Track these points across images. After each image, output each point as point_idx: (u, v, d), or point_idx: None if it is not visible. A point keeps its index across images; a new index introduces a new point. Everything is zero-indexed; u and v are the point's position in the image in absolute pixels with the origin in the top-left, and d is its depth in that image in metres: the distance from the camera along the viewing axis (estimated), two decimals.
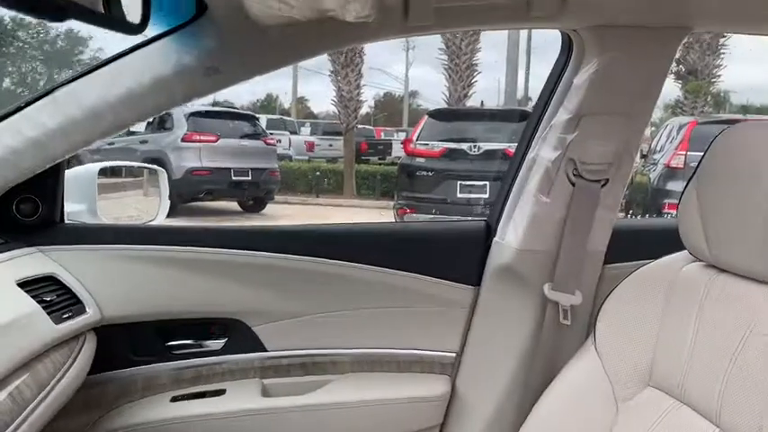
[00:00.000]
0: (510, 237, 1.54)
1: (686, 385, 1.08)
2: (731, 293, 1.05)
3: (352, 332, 1.59)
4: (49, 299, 1.27)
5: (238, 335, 1.57)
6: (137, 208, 2.00)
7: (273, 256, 1.53)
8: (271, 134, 12.76)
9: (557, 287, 1.50)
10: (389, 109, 36.55)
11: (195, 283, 1.51)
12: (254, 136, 11.13)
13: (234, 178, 10.33)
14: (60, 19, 0.61)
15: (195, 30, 1.23)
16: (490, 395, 1.59)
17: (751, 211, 1.00)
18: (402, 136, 19.54)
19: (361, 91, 14.99)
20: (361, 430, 1.59)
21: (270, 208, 11.49)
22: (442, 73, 14.85)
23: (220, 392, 1.55)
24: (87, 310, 1.37)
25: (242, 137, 10.80)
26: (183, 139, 10.05)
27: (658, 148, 9.14)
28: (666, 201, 7.46)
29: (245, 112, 13.01)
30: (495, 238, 1.60)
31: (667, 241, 1.23)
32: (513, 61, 14.07)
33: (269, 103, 34.86)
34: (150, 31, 1.13)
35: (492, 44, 24.49)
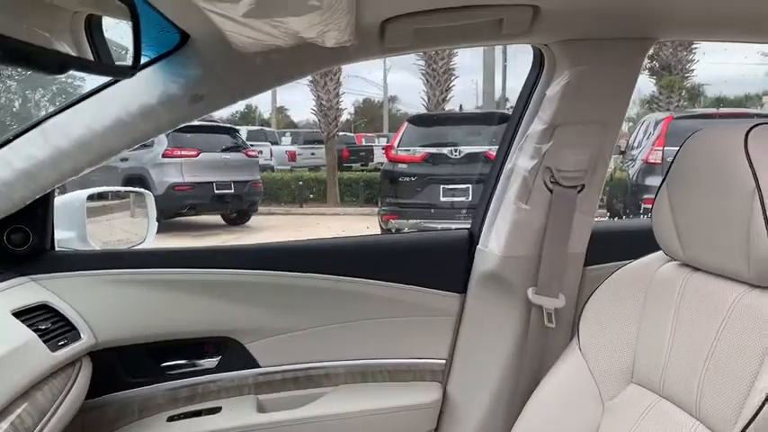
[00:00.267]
0: (493, 244, 1.58)
1: (667, 381, 1.13)
2: (705, 291, 1.10)
3: (344, 344, 1.62)
4: (44, 327, 1.29)
5: (231, 353, 1.60)
6: (124, 230, 2.01)
7: (262, 274, 1.56)
8: (252, 146, 12.72)
9: (540, 291, 1.54)
10: (369, 115, 36.58)
11: (187, 304, 1.54)
12: (235, 148, 11.10)
13: (216, 192, 10.29)
14: (61, 71, 0.65)
15: (179, 59, 1.26)
16: (481, 399, 1.62)
17: (719, 211, 1.05)
18: (383, 141, 19.59)
19: (341, 99, 15.03)
20: None
21: (254, 220, 11.45)
22: (420, 78, 14.95)
23: (216, 410, 1.57)
24: (82, 335, 1.39)
25: (223, 150, 10.76)
26: (164, 155, 9.99)
27: (636, 144, 9.23)
28: (646, 196, 7.54)
29: (224, 124, 12.96)
30: (479, 246, 1.64)
31: (644, 241, 1.28)
32: (490, 63, 14.18)
33: (248, 115, 34.72)
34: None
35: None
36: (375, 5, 1.17)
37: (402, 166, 8.17)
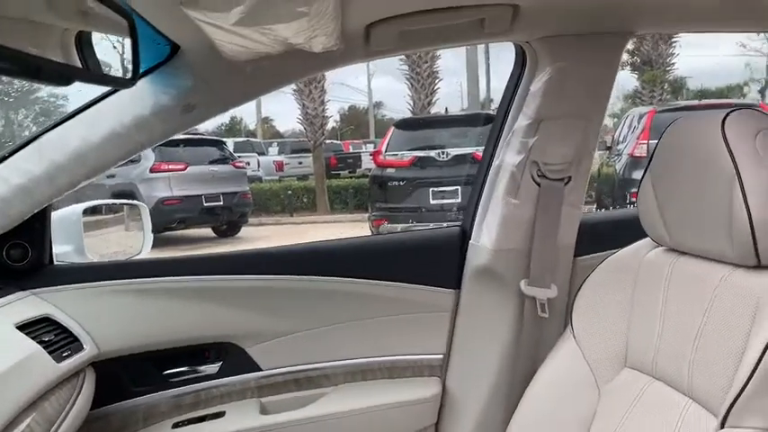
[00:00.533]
0: (484, 239, 1.61)
1: (659, 363, 1.16)
2: (691, 274, 1.14)
3: (343, 344, 1.65)
4: (47, 339, 1.30)
5: (233, 357, 1.62)
6: (119, 244, 2.03)
7: (259, 279, 1.59)
8: (239, 157, 12.72)
9: (532, 282, 1.57)
10: (355, 122, 36.60)
11: (186, 311, 1.56)
12: (223, 160, 11.09)
13: (206, 204, 10.27)
14: (68, 83, 0.68)
15: (170, 70, 1.28)
16: (479, 391, 1.65)
17: (701, 195, 1.09)
18: (370, 148, 19.60)
19: (326, 107, 15.05)
20: None
21: (245, 231, 11.42)
22: (404, 82, 15.00)
23: (220, 415, 1.59)
24: (84, 346, 1.40)
25: (210, 162, 10.75)
26: (152, 170, 9.97)
27: (621, 139, 9.31)
28: (633, 190, 7.59)
29: (211, 137, 12.93)
30: (471, 241, 1.67)
31: (630, 230, 1.31)
32: (473, 63, 14.26)
33: (234, 127, 34.67)
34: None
35: (451, 49, 24.71)
36: (360, 10, 1.20)
37: (390, 171, 8.21)
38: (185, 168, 10.18)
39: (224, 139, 13.65)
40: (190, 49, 1.26)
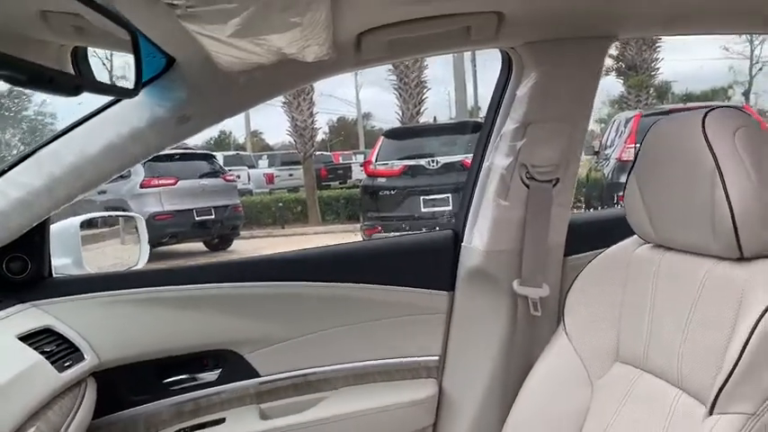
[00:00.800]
0: (476, 240, 1.64)
1: (650, 356, 1.20)
2: (678, 268, 1.18)
3: (340, 348, 1.66)
4: (49, 350, 1.32)
5: (232, 364, 1.63)
6: (115, 257, 2.05)
7: (256, 286, 1.61)
8: (229, 170, 12.72)
9: (525, 282, 1.60)
10: (344, 133, 36.71)
11: (184, 320, 1.57)
12: (213, 174, 11.08)
13: (197, 218, 10.25)
14: (77, 93, 0.70)
15: (165, 82, 1.31)
16: (475, 391, 1.67)
17: (684, 192, 1.12)
18: (360, 158, 19.67)
19: (315, 119, 15.10)
20: None
21: (237, 244, 11.39)
22: (392, 93, 15.08)
23: (220, 421, 1.60)
24: (85, 356, 1.42)
25: (201, 176, 10.74)
26: (142, 185, 9.95)
27: (609, 144, 9.41)
28: (621, 193, 7.62)
29: (200, 151, 12.93)
30: (464, 244, 1.70)
31: (618, 229, 1.35)
32: (461, 72, 14.36)
33: (223, 140, 34.68)
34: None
35: (439, 58, 24.89)
36: (351, 20, 1.24)
37: (381, 180, 8.26)
38: (176, 183, 10.17)
39: (214, 153, 13.65)
40: (185, 62, 1.28)
